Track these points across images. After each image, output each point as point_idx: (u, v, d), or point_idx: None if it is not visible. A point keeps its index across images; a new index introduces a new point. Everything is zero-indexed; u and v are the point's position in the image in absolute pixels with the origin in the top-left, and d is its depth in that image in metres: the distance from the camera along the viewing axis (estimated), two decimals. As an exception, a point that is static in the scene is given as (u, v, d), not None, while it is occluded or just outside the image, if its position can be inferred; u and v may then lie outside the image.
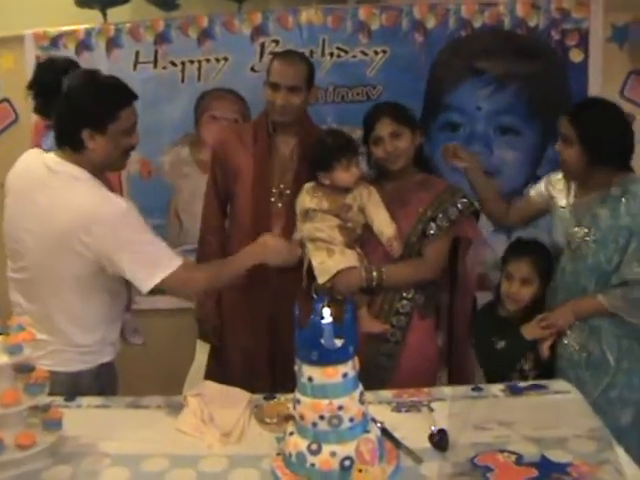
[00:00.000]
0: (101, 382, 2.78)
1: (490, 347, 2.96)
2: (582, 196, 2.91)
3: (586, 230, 2.84)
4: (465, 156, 3.25)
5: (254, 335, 3.31)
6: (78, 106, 2.53)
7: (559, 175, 3.02)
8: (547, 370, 2.91)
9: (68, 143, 2.59)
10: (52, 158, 2.63)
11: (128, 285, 2.82)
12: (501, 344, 2.95)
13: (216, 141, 3.53)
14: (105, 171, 2.75)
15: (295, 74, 3.17)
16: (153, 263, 2.57)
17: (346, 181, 2.96)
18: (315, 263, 3.01)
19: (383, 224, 2.98)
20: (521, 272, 2.97)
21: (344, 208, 2.99)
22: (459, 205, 3.03)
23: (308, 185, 3.07)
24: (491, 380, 2.80)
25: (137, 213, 2.58)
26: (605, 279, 2.83)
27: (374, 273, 2.99)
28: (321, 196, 3.01)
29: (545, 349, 2.88)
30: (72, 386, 2.65)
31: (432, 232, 3.01)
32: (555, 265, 2.98)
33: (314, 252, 3.02)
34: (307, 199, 3.03)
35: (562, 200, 2.97)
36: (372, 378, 2.93)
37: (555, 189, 3.02)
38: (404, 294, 3.04)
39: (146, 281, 2.56)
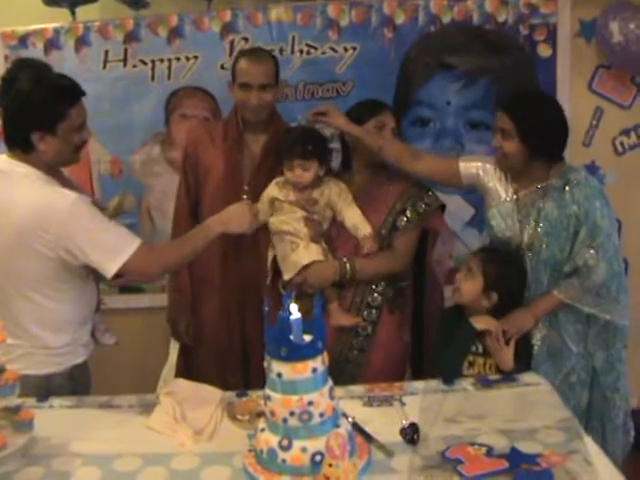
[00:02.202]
0: (74, 384, 2.77)
1: (447, 343, 2.87)
2: (521, 189, 2.92)
3: (535, 225, 2.86)
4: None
5: (226, 332, 3.32)
6: (26, 108, 2.52)
7: (494, 164, 3.00)
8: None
9: (18, 146, 2.58)
10: (3, 159, 2.62)
11: (97, 285, 2.84)
12: (455, 339, 2.87)
13: (187, 139, 3.52)
14: (59, 167, 2.74)
15: (265, 72, 3.18)
16: (112, 248, 2.56)
17: (298, 179, 2.98)
18: (279, 257, 3.02)
19: (358, 222, 2.99)
20: (470, 262, 2.91)
21: (310, 201, 3.01)
22: (426, 199, 3.10)
23: (279, 178, 3.09)
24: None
25: (88, 203, 2.59)
26: (559, 269, 2.86)
27: (347, 266, 3.01)
28: (289, 189, 3.03)
29: (508, 360, 2.75)
30: (44, 389, 2.64)
31: (402, 224, 3.05)
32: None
33: (278, 244, 3.03)
34: (275, 189, 3.07)
35: (501, 193, 2.96)
36: (343, 373, 2.98)
37: (492, 178, 2.98)
38: (374, 287, 3.07)
39: (109, 265, 2.55)
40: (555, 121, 2.86)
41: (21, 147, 2.58)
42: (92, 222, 2.56)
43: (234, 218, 2.84)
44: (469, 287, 2.85)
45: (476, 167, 3.02)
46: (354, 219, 3.00)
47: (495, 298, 2.83)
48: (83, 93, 2.64)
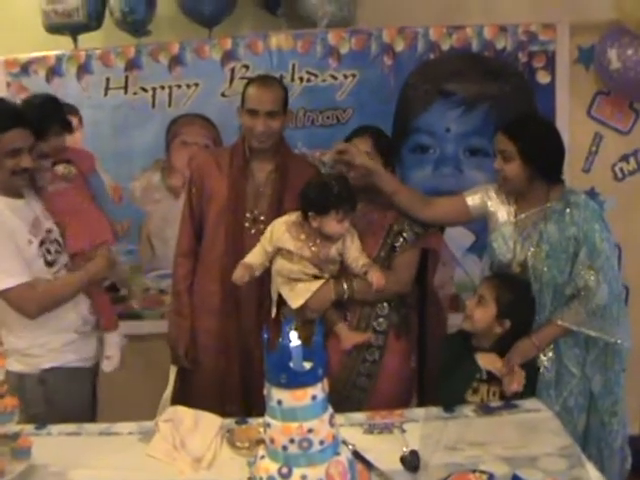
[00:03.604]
0: (45, 388, 2.88)
1: (451, 370, 2.85)
2: (522, 211, 2.94)
3: (537, 248, 2.86)
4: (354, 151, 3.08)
5: (226, 359, 3.29)
6: None
7: (495, 189, 3.03)
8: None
9: None
10: None
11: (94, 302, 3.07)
12: (458, 368, 2.84)
13: (193, 164, 3.53)
14: (7, 189, 2.86)
15: (273, 99, 3.16)
16: (3, 273, 2.75)
17: (335, 232, 2.93)
18: (285, 292, 3.01)
19: (359, 256, 2.99)
20: (481, 290, 2.89)
21: (328, 261, 3.00)
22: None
23: (291, 220, 3.01)
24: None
25: None
26: (561, 292, 2.86)
27: (344, 285, 3.00)
28: (304, 241, 2.96)
29: (515, 386, 2.72)
30: (18, 387, 2.79)
31: (400, 245, 3.06)
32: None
33: (282, 285, 3.03)
34: (288, 239, 2.97)
35: (503, 216, 2.98)
36: (350, 399, 2.98)
37: (493, 203, 3.02)
38: (379, 311, 3.07)
39: None
40: (554, 141, 2.89)
41: None
42: None
43: (114, 265, 3.17)
44: (482, 315, 2.83)
45: (480, 196, 3.05)
46: (355, 254, 3.00)
47: (508, 325, 2.81)
48: (18, 122, 2.76)
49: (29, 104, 3.01)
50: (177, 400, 3.22)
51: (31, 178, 2.98)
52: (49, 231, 2.96)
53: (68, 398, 2.92)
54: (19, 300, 2.81)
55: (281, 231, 2.99)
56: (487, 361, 2.78)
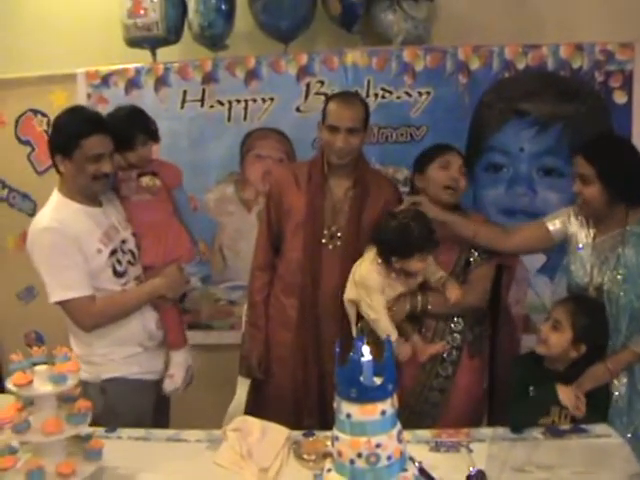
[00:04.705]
0: (107, 398, 2.90)
1: (522, 392, 2.79)
2: (600, 234, 2.89)
3: (614, 272, 2.82)
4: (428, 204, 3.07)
5: (304, 372, 3.28)
6: (52, 134, 2.93)
7: (574, 212, 2.98)
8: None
9: (55, 168, 2.91)
10: None
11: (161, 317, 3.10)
12: (533, 392, 2.78)
13: (271, 179, 3.57)
14: (87, 195, 2.93)
15: (354, 116, 3.15)
16: (65, 282, 2.83)
17: (419, 269, 2.94)
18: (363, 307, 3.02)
19: (436, 272, 3.01)
20: (556, 314, 2.83)
21: (414, 286, 3.02)
22: None
23: (376, 262, 2.98)
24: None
25: (58, 236, 2.81)
26: (637, 317, 2.80)
27: (419, 297, 3.01)
28: (394, 278, 2.97)
29: (579, 410, 2.68)
30: (83, 394, 2.73)
31: (474, 259, 3.06)
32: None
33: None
34: (379, 279, 2.96)
35: (581, 238, 2.94)
36: (423, 414, 2.98)
37: (573, 226, 2.97)
38: (453, 327, 3.06)
39: (55, 292, 2.83)
40: (634, 163, 2.82)
41: (56, 169, 2.92)
42: (47, 254, 2.83)
43: (178, 286, 3.13)
44: (557, 340, 2.77)
45: (561, 220, 3.01)
46: (432, 268, 3.00)
47: (584, 349, 2.76)
48: (100, 129, 2.84)
49: (115, 115, 3.06)
50: (250, 412, 3.20)
51: (115, 187, 3.06)
52: (124, 241, 3.01)
53: (128, 409, 2.92)
54: (75, 313, 2.86)
55: (377, 280, 2.97)
56: (567, 396, 2.69)
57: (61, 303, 2.83)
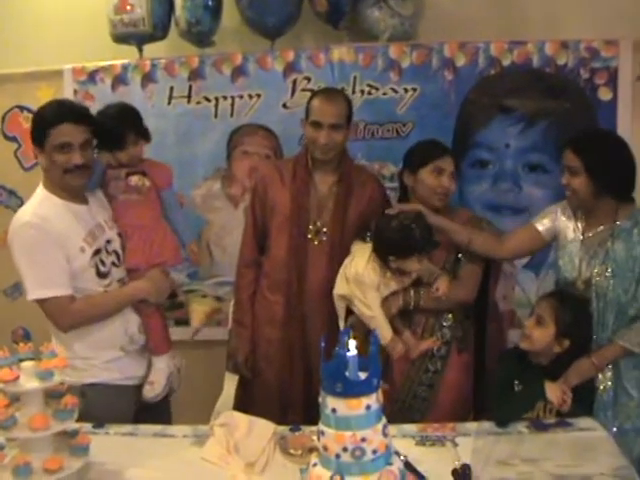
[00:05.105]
0: (86, 402, 2.71)
1: (508, 387, 2.82)
2: (589, 229, 2.91)
3: (602, 266, 2.84)
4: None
5: (290, 369, 3.30)
6: (32, 123, 2.88)
7: (561, 209, 3.01)
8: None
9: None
10: None
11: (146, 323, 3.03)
12: (519, 387, 2.81)
13: (257, 176, 3.58)
14: (64, 188, 2.88)
15: (337, 112, 3.17)
16: (44, 279, 2.78)
17: (415, 270, 2.97)
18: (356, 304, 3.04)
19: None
20: (539, 309, 2.85)
21: (408, 284, 3.04)
22: (485, 229, 3.13)
23: (372, 260, 3.00)
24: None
25: (39, 232, 2.77)
26: (623, 312, 2.82)
27: (411, 293, 3.02)
28: (389, 277, 3.00)
29: (566, 405, 2.72)
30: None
31: (464, 255, 3.09)
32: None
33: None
34: (375, 278, 2.98)
35: (570, 233, 2.96)
36: (412, 409, 3.00)
37: (561, 222, 2.99)
38: (443, 322, 3.08)
39: (33, 289, 2.78)
40: (621, 158, 2.85)
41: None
42: (27, 250, 2.78)
43: (161, 291, 3.03)
44: (541, 335, 2.79)
45: (549, 219, 3.03)
46: (431, 269, 3.03)
47: (567, 344, 2.78)
48: (64, 118, 2.78)
49: (105, 112, 3.02)
50: (238, 408, 3.21)
51: (105, 185, 3.03)
52: (109, 241, 2.95)
53: (107, 414, 2.79)
54: (53, 312, 2.81)
55: (368, 271, 2.99)
56: (555, 393, 2.72)
57: (38, 301, 2.79)
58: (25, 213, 2.82)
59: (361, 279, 2.98)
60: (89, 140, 2.86)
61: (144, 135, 3.04)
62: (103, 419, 2.74)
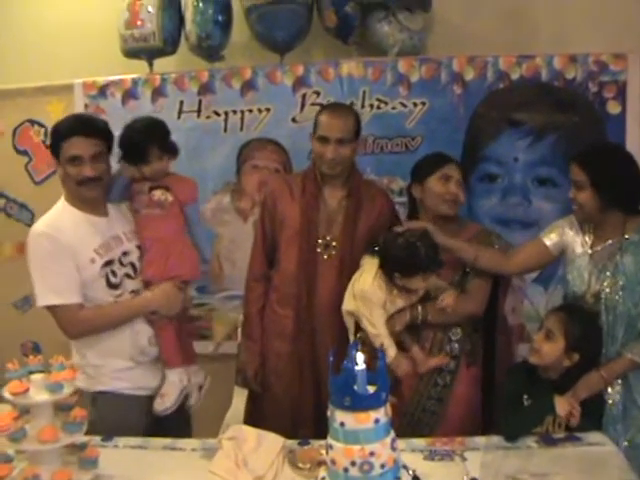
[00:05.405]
0: (96, 410, 2.83)
1: (517, 401, 2.79)
2: (598, 242, 2.90)
3: (612, 280, 2.83)
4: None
5: (300, 383, 3.28)
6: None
7: (569, 223, 3.00)
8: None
9: None
10: None
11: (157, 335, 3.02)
12: (528, 402, 2.78)
13: (266, 190, 3.57)
14: (84, 201, 2.94)
15: (344, 126, 3.17)
16: (54, 287, 2.83)
17: (420, 288, 2.97)
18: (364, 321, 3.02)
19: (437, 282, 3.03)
20: (548, 323, 2.83)
21: (415, 301, 3.04)
22: (495, 245, 3.12)
23: (379, 277, 2.98)
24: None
25: (51, 242, 2.83)
26: (633, 325, 2.80)
27: (419, 308, 3.02)
28: (396, 295, 2.99)
29: (575, 419, 2.69)
30: (79, 401, 2.68)
31: (471, 269, 3.08)
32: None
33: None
34: (382, 296, 2.97)
35: (578, 248, 2.95)
36: (421, 423, 2.99)
37: (569, 237, 2.98)
38: (452, 336, 3.08)
39: (42, 296, 2.84)
40: (627, 172, 2.84)
41: None
42: (39, 259, 2.85)
43: (172, 304, 3.00)
44: (550, 349, 2.77)
45: (557, 233, 3.02)
46: (433, 279, 3.01)
47: (576, 358, 2.76)
48: (75, 132, 2.85)
49: (132, 127, 3.02)
50: (249, 423, 3.15)
51: (130, 198, 3.05)
52: (125, 253, 2.97)
53: (117, 423, 2.82)
54: (61, 319, 2.86)
55: (374, 289, 2.97)
56: (563, 407, 2.70)
57: (48, 308, 2.84)
58: (41, 224, 2.89)
59: (367, 296, 2.97)
60: (101, 153, 2.89)
61: (169, 150, 3.03)
62: (113, 428, 2.76)
